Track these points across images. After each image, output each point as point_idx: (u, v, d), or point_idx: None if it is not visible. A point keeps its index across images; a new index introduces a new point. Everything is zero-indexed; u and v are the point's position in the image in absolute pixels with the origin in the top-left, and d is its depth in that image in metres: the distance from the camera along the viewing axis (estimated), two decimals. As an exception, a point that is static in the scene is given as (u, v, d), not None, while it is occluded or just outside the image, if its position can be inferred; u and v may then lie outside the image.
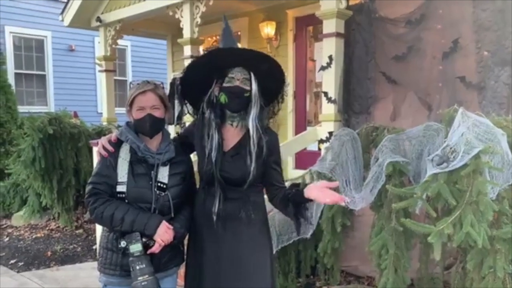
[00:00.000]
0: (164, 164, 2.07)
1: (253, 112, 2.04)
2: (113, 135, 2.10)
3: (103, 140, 2.09)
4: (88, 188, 2.04)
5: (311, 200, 1.97)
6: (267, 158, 2.08)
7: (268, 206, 2.23)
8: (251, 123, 2.04)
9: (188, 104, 2.20)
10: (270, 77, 2.08)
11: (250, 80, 2.04)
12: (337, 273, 3.16)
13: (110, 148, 2.06)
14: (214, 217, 2.04)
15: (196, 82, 2.10)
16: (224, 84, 2.05)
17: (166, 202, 2.06)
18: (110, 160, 2.04)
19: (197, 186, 2.25)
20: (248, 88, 2.04)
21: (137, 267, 1.91)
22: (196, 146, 2.17)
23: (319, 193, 1.91)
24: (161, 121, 2.09)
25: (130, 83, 2.13)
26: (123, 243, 1.96)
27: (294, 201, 2.03)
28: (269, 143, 2.09)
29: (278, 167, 2.17)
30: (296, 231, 2.16)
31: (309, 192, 1.94)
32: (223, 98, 2.05)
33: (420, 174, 2.43)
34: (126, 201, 2.01)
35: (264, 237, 2.17)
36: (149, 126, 2.05)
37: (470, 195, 2.00)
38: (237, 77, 2.03)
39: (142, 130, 2.07)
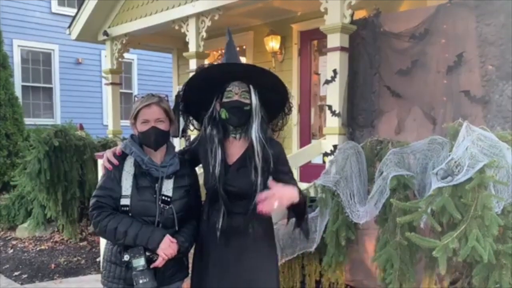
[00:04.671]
0: (168, 177, 2.08)
1: (255, 125, 2.03)
2: (118, 148, 2.11)
3: (108, 153, 2.10)
4: (92, 201, 2.05)
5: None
6: (274, 168, 2.07)
7: (274, 218, 2.22)
8: (254, 136, 2.02)
9: (193, 120, 2.21)
10: (272, 90, 2.07)
11: (249, 92, 2.03)
12: (342, 287, 3.13)
13: (114, 161, 2.07)
14: (218, 233, 2.03)
15: (197, 100, 2.11)
16: (224, 100, 2.05)
17: (170, 215, 2.05)
18: (115, 173, 2.05)
19: (203, 199, 2.25)
20: (247, 101, 2.03)
21: (140, 281, 1.91)
22: (201, 160, 2.17)
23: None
24: (165, 134, 2.09)
25: (135, 96, 2.14)
26: (126, 257, 1.96)
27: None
28: (274, 154, 2.07)
29: (287, 175, 2.14)
30: (303, 234, 2.14)
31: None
32: (224, 114, 2.06)
33: (425, 188, 2.42)
34: (130, 214, 2.01)
35: (270, 250, 2.16)
36: (154, 139, 2.05)
37: (475, 209, 1.99)
38: (235, 91, 2.02)
39: (146, 142, 2.08)
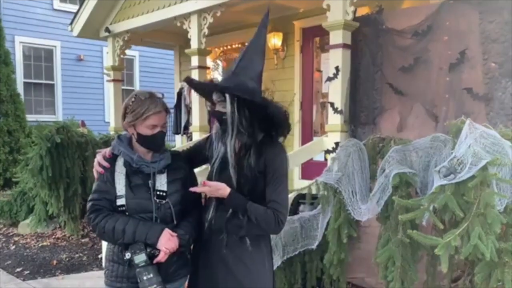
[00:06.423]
0: (161, 172, 2.07)
1: (229, 137, 1.97)
2: (108, 151, 2.11)
3: (98, 157, 2.10)
4: (88, 205, 2.04)
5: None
6: (260, 176, 1.99)
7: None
8: (228, 149, 1.97)
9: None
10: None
11: (225, 101, 1.95)
12: (343, 285, 3.13)
13: (105, 164, 2.06)
14: (206, 224, 2.04)
15: None
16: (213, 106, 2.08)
17: (167, 209, 2.05)
18: (107, 176, 2.05)
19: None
20: (225, 110, 1.96)
21: (144, 278, 1.89)
22: (210, 159, 2.16)
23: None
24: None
25: (135, 95, 2.07)
26: (127, 255, 1.94)
27: None
28: (266, 160, 2.00)
29: (273, 185, 2.00)
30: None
31: None
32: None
33: (427, 186, 2.41)
34: (127, 213, 2.01)
35: (257, 250, 2.06)
36: (160, 143, 2.08)
37: (477, 207, 1.99)
38: (216, 101, 2.01)
39: (151, 146, 2.07)
